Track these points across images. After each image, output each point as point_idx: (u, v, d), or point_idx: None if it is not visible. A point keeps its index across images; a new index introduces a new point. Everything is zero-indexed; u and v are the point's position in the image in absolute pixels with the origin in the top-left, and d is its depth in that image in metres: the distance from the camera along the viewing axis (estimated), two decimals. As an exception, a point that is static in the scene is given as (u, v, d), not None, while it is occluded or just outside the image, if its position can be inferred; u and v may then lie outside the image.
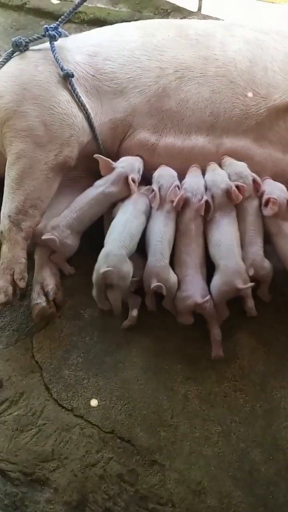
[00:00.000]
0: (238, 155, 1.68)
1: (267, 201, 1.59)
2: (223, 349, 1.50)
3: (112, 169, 1.67)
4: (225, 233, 1.55)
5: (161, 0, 2.74)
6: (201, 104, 1.68)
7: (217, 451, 1.38)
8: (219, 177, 1.63)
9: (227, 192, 1.59)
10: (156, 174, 1.67)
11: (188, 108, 1.68)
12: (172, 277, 1.50)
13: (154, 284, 1.47)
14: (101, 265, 1.48)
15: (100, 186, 1.66)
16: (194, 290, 1.49)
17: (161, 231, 1.56)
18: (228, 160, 1.68)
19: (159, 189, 1.62)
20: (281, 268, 1.58)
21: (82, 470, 1.34)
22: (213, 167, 1.68)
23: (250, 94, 1.67)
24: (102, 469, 1.35)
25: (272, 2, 2.67)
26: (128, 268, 1.49)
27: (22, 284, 1.53)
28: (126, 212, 1.60)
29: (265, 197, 1.59)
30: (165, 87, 1.69)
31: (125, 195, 1.65)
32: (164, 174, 1.67)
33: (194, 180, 1.65)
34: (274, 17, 2.57)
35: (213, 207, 1.58)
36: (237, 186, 1.59)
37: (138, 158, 1.71)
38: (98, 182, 1.68)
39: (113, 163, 1.67)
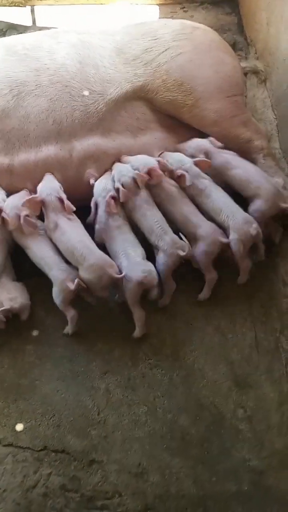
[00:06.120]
0: (92, 154, 1.74)
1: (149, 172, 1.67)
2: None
3: None
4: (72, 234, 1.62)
5: (-5, 20, 2.73)
6: (43, 115, 1.72)
7: (148, 429, 1.43)
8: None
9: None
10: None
11: (31, 122, 1.72)
12: None
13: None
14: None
15: None
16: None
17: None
18: (116, 164, 1.75)
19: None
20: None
21: (24, 496, 1.33)
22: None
23: (86, 93, 1.74)
24: (43, 487, 1.35)
25: (102, 4, 2.77)
26: None
27: None
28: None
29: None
30: (4, 109, 1.71)
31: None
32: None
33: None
34: (103, 18, 2.67)
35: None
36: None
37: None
38: None
39: None
